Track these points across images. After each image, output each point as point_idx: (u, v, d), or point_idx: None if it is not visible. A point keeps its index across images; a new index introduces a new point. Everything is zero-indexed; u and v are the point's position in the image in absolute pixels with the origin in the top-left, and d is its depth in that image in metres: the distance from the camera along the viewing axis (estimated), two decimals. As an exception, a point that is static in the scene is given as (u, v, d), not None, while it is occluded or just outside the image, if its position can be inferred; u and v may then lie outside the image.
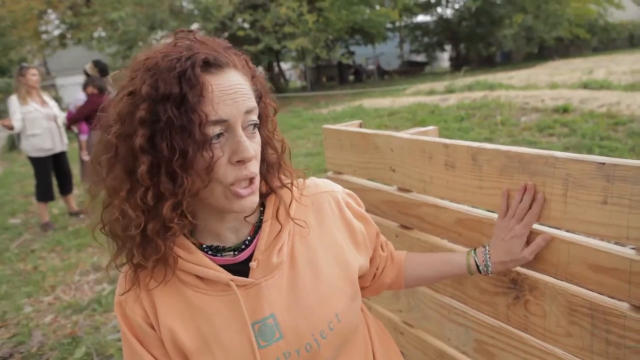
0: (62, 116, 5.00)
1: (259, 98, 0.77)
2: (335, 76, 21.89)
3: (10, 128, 4.66)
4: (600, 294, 0.91)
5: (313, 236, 0.84)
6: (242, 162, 0.70)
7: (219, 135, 0.68)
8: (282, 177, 0.83)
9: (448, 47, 25.06)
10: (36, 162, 4.86)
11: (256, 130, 0.74)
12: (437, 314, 1.32)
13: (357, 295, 0.87)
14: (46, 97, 4.96)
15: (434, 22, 23.99)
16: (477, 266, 0.99)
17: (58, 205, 5.62)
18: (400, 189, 1.33)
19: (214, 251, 0.79)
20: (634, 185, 0.80)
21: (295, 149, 7.16)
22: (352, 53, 20.42)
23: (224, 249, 0.79)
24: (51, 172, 4.96)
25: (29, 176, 7.30)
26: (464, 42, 23.02)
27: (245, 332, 0.76)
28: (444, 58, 27.43)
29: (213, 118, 0.67)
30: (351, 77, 22.43)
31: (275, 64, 19.30)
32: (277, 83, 19.31)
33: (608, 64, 12.59)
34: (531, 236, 0.96)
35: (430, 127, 1.35)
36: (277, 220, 0.80)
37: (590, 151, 4.64)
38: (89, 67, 5.35)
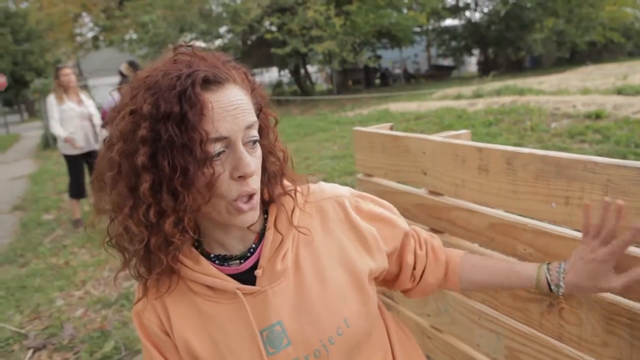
0: (98, 115, 5.15)
1: (259, 110, 0.79)
2: (361, 80, 21.87)
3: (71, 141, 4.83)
4: (640, 303, 0.89)
5: (318, 242, 0.84)
6: (243, 177, 0.71)
7: (219, 153, 0.70)
8: (286, 184, 0.84)
9: (476, 52, 24.75)
10: (70, 159, 5.01)
11: (257, 145, 0.75)
12: (466, 319, 1.31)
13: (369, 300, 0.86)
14: (83, 97, 5.11)
15: (462, 26, 23.73)
16: (548, 283, 0.88)
17: (89, 202, 5.78)
18: (432, 192, 1.32)
19: (221, 260, 0.81)
20: (678, 193, 0.78)
21: (321, 151, 7.18)
22: (379, 57, 20.38)
23: (230, 258, 0.81)
24: (84, 170, 5.10)
25: (62, 174, 7.54)
26: (493, 46, 22.68)
27: (254, 339, 0.77)
28: (472, 62, 27.09)
29: (214, 136, 0.68)
30: (377, 81, 22.37)
31: (302, 67, 19.41)
32: (304, 86, 19.41)
33: (644, 69, 12.19)
34: (626, 262, 0.83)
35: (463, 131, 1.34)
36: (277, 230, 0.81)
37: (624, 158, 4.49)
38: (124, 67, 5.48)
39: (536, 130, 5.92)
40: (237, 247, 0.81)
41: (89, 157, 5.10)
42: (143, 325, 0.83)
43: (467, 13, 23.35)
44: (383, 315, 0.97)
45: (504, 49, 21.66)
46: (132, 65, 5.63)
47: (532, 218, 1.05)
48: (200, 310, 0.80)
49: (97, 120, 5.09)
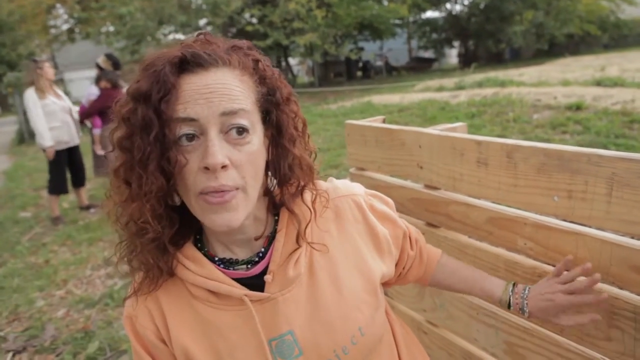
0: (75, 109, 5.01)
1: (269, 103, 0.72)
2: (343, 72, 21.80)
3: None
4: (645, 297, 0.88)
5: (334, 246, 0.79)
6: (206, 169, 0.64)
7: (190, 138, 0.65)
8: (304, 195, 0.77)
9: (456, 44, 24.90)
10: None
11: (245, 135, 0.67)
12: (464, 314, 1.30)
13: (381, 304, 0.83)
14: (59, 91, 4.97)
15: (443, 18, 23.83)
16: (509, 304, 0.93)
17: (68, 199, 5.64)
18: (428, 186, 1.30)
19: (226, 264, 0.75)
20: (685, 185, 0.77)
21: (304, 144, 7.11)
22: (360, 49, 20.33)
23: (236, 262, 0.75)
24: (66, 166, 4.97)
25: (39, 170, 7.34)
26: (473, 38, 22.84)
27: (262, 349, 0.72)
28: (452, 54, 27.27)
29: (180, 115, 0.64)
30: (359, 73, 22.34)
31: (283, 59, 19.26)
32: (285, 79, 19.24)
33: (620, 60, 12.43)
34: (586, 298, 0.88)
35: (459, 124, 1.32)
36: (289, 237, 0.76)
37: (605, 149, 4.57)
38: (101, 60, 5.34)
39: (519, 122, 5.98)
40: (241, 251, 0.76)
41: (71, 152, 4.97)
42: (137, 332, 0.77)
43: (448, 5, 23.44)
44: (389, 317, 0.94)
45: (484, 41, 21.84)
46: (110, 58, 5.50)
47: (532, 212, 1.03)
48: (202, 317, 0.74)
49: (76, 114, 4.96)
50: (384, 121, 1.54)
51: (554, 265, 1.02)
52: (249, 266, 0.75)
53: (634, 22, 23.01)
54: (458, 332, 1.34)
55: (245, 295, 0.72)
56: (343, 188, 0.84)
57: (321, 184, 0.83)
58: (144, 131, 0.64)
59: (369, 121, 1.50)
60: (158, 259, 0.72)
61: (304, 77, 23.78)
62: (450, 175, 1.19)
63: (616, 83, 7.53)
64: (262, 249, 0.76)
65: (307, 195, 0.78)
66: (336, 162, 5.64)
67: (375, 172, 1.49)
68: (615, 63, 11.58)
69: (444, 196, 1.23)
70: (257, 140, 0.69)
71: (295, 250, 0.76)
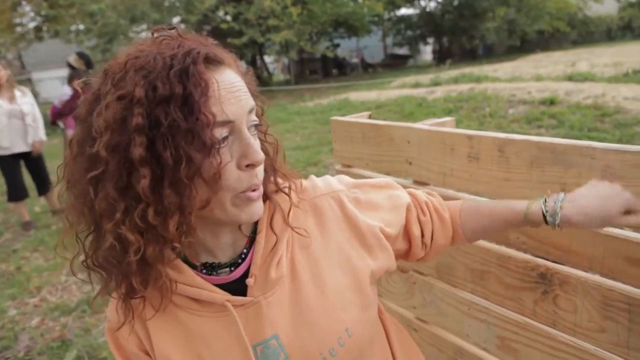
0: (33, 113, 4.77)
1: (253, 96, 0.71)
2: (318, 69, 21.78)
3: None
4: (639, 288, 0.88)
5: (315, 245, 0.76)
6: (252, 166, 0.65)
7: (224, 139, 0.63)
8: (279, 180, 0.76)
9: (431, 40, 25.16)
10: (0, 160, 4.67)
11: (256, 131, 0.69)
12: (455, 310, 1.29)
13: (370, 303, 0.79)
14: (18, 93, 4.74)
15: (417, 15, 24.02)
16: (544, 215, 0.80)
17: (40, 203, 5.46)
18: (417, 182, 1.28)
19: (208, 269, 0.73)
20: (679, 176, 0.77)
21: (283, 142, 7.02)
22: (336, 46, 20.33)
23: (219, 266, 0.73)
24: (19, 170, 4.75)
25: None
26: (447, 35, 23.11)
27: (246, 355, 0.70)
28: (427, 51, 27.53)
29: (220, 119, 0.61)
30: (335, 71, 22.36)
31: (258, 57, 19.11)
32: (261, 77, 19.13)
33: (588, 56, 12.77)
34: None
35: (448, 119, 1.31)
36: (272, 230, 0.73)
37: (579, 142, 4.67)
38: (73, 59, 5.18)
39: (495, 117, 6.07)
40: (227, 252, 0.73)
41: (24, 158, 4.77)
42: (119, 345, 0.75)
43: (422, 2, 23.64)
44: (382, 317, 0.91)
45: (458, 38, 22.13)
46: (82, 56, 5.34)
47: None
48: (184, 325, 0.71)
49: (31, 119, 4.72)
50: (369, 117, 1.53)
51: (547, 259, 1.02)
52: (232, 269, 0.73)
53: (600, 20, 23.70)
54: (449, 328, 1.34)
55: (228, 301, 0.70)
56: (322, 186, 0.81)
57: (302, 182, 0.81)
58: (184, 136, 0.58)
59: (355, 117, 1.48)
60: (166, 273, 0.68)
61: (279, 75, 23.66)
62: (440, 170, 1.18)
63: (586, 78, 7.72)
64: (245, 250, 0.73)
65: (282, 184, 0.77)
66: (315, 159, 5.62)
67: (363, 169, 1.47)
68: (584, 59, 11.89)
69: (434, 191, 1.22)
70: None
71: (277, 245, 0.73)
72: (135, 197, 0.60)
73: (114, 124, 0.59)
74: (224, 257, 0.73)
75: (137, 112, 0.58)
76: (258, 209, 0.68)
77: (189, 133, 0.59)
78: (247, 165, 0.64)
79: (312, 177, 0.85)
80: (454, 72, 10.76)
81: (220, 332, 0.71)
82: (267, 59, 21.10)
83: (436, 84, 9.61)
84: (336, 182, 0.83)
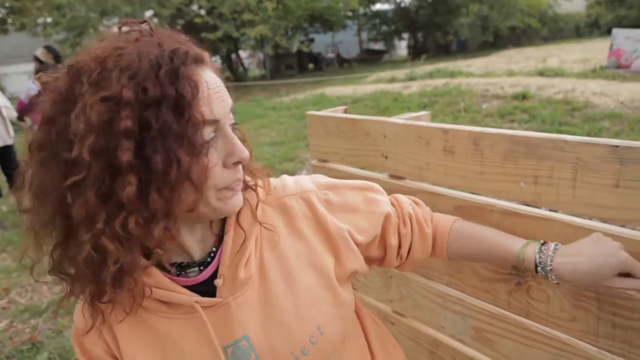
0: (6, 105, 4.64)
1: None
2: (294, 64, 21.70)
3: None
4: (608, 277, 0.90)
5: (284, 244, 0.76)
6: (238, 163, 0.66)
7: (211, 139, 0.63)
8: (246, 178, 0.75)
9: (406, 36, 25.34)
10: None
11: (233, 129, 0.69)
12: (431, 302, 1.30)
13: (342, 302, 0.78)
14: None
15: (392, 11, 24.16)
16: (536, 264, 0.82)
17: (7, 202, 5.29)
18: (393, 176, 1.29)
19: (178, 269, 0.72)
20: (647, 168, 0.79)
21: (259, 138, 7.04)
22: (311, 40, 20.24)
23: (188, 266, 0.72)
24: None
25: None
26: (422, 30, 23.33)
27: (216, 357, 0.69)
28: (402, 46, 27.73)
29: (209, 119, 0.61)
30: (311, 65, 22.31)
31: (233, 52, 18.89)
32: (236, 72, 18.94)
33: (559, 52, 13.07)
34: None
35: (423, 113, 1.31)
36: (240, 227, 0.73)
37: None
38: (40, 53, 5.01)
39: (469, 111, 6.16)
40: (197, 250, 0.72)
41: (3, 153, 4.63)
42: (85, 350, 0.73)
43: (397, -2, 23.79)
44: (359, 312, 0.91)
45: (432, 33, 22.36)
46: (51, 50, 5.17)
47: (500, 199, 1.04)
48: (153, 328, 0.70)
49: (10, 112, 4.60)
50: (345, 111, 1.52)
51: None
52: (201, 268, 0.72)
53: (569, 17, 24.34)
54: (425, 320, 1.35)
55: (196, 302, 0.69)
56: (292, 186, 0.80)
57: (272, 181, 0.81)
58: (175, 138, 0.57)
59: (331, 111, 1.47)
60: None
61: (255, 70, 23.47)
62: (416, 164, 1.18)
63: (557, 73, 7.91)
64: (214, 249, 0.73)
65: (250, 182, 0.77)
66: (291, 155, 5.60)
67: (339, 164, 1.47)
68: (555, 54, 12.16)
69: (410, 186, 1.23)
70: None
71: (245, 243, 0.72)
72: (118, 205, 0.57)
73: (99, 126, 0.56)
74: (194, 254, 0.72)
75: (125, 115, 0.56)
76: (240, 200, 0.68)
77: (181, 135, 0.58)
78: (234, 163, 0.65)
79: (284, 176, 0.84)
80: (429, 67, 10.87)
81: (190, 334, 0.70)
82: (243, 53, 20.88)
83: (411, 78, 9.69)
84: (308, 182, 0.82)
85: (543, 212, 0.96)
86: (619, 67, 6.99)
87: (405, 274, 1.35)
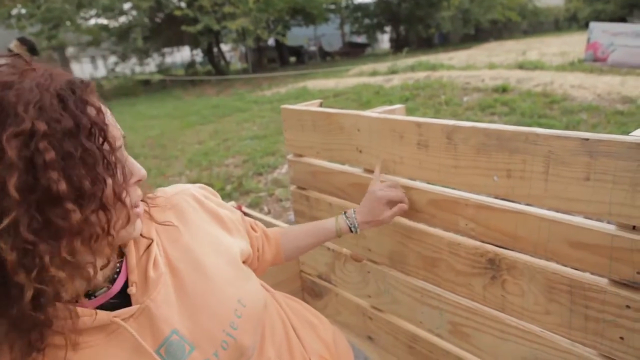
0: None
1: None
2: (276, 58, 21.55)
3: None
4: (580, 270, 0.90)
5: (183, 236, 0.80)
6: (139, 181, 0.70)
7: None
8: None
9: (388, 29, 25.35)
10: None
11: None
12: (408, 297, 1.29)
13: (251, 275, 0.87)
14: None
15: (375, 4, 24.13)
16: (349, 227, 1.09)
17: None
18: (368, 171, 1.27)
19: (87, 294, 0.68)
20: (617, 161, 0.78)
21: (241, 132, 6.97)
22: (286, 29, 19.98)
23: (94, 290, 0.69)
24: None
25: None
26: (404, 23, 23.35)
27: None
28: (385, 39, 27.75)
29: (117, 140, 0.65)
30: (293, 59, 22.18)
31: (215, 45, 18.67)
32: (218, 65, 18.73)
33: (539, 45, 13.21)
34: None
35: (398, 106, 1.30)
36: (141, 234, 0.74)
37: (529, 129, 4.83)
38: (14, 45, 4.88)
39: (450, 104, 6.18)
40: (105, 272, 0.70)
41: None
42: None
43: (379, -10, 23.74)
44: (267, 289, 0.99)
45: (414, 26, 22.39)
46: (24, 42, 5.05)
47: (474, 193, 1.03)
48: None
49: None
50: (321, 105, 1.50)
51: (496, 245, 1.03)
52: (109, 285, 0.70)
53: (549, 10, 24.66)
54: (403, 315, 1.34)
55: (115, 317, 0.67)
56: (173, 189, 0.87)
57: (153, 190, 0.85)
58: (97, 165, 0.60)
59: (306, 105, 1.45)
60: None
61: (237, 64, 23.25)
62: (390, 158, 1.17)
63: (536, 66, 7.99)
64: (118, 263, 0.73)
65: None
66: (273, 149, 5.55)
67: (314, 158, 1.45)
68: (535, 47, 12.29)
69: (385, 180, 1.21)
70: None
71: (148, 247, 0.75)
72: (57, 234, 0.57)
73: (20, 163, 0.54)
74: (99, 277, 0.68)
75: (43, 147, 0.55)
76: (140, 223, 0.72)
77: (101, 159, 0.60)
78: (137, 181, 0.69)
79: (161, 188, 0.89)
80: (411, 60, 10.89)
81: (120, 353, 0.67)
82: (225, 47, 20.65)
83: (393, 72, 9.69)
84: (184, 185, 0.89)
85: (516, 206, 0.96)
86: (595, 60, 7.11)
87: (382, 269, 1.34)
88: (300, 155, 1.51)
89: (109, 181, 0.61)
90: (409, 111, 6.13)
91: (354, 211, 1.11)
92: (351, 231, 1.09)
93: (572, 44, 11.46)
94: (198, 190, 0.89)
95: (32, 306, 0.57)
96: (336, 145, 1.33)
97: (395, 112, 1.27)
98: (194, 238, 0.80)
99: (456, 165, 1.02)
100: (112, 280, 0.71)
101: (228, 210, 0.92)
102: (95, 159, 0.59)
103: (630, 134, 0.80)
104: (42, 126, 0.55)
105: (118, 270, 0.72)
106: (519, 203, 0.95)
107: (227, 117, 8.48)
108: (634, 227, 0.80)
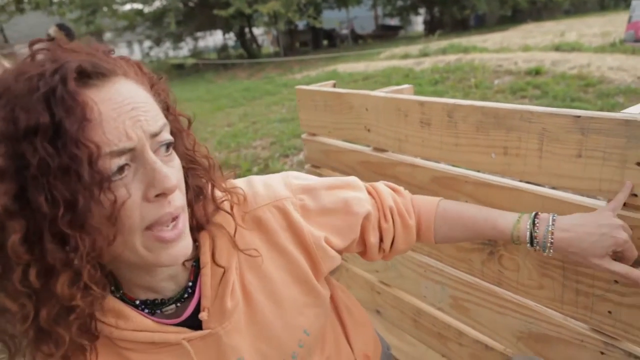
0: None
1: (166, 110, 0.62)
2: (308, 41, 21.47)
3: None
4: (573, 246, 0.92)
5: (265, 262, 0.72)
6: (163, 195, 0.55)
7: (121, 169, 0.52)
8: (218, 194, 0.70)
9: (422, 11, 24.78)
10: None
11: (172, 151, 0.59)
12: (413, 272, 1.34)
13: (322, 298, 0.78)
14: (6, 63, 4.70)
15: (408, -15, 23.61)
16: (532, 239, 0.79)
17: None
18: (376, 149, 1.31)
19: (150, 307, 0.66)
20: (607, 138, 0.80)
21: (269, 114, 7.06)
22: (319, 13, 19.84)
23: (162, 303, 0.66)
24: None
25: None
26: (438, 5, 22.75)
27: None
28: (418, 22, 27.15)
29: (108, 149, 0.50)
30: (325, 42, 22.05)
31: (247, 29, 18.77)
32: (250, 49, 18.85)
33: (579, 26, 12.66)
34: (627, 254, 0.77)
35: (406, 86, 1.32)
36: (217, 264, 0.67)
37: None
38: (53, 31, 5.07)
39: (480, 88, 6.06)
40: (169, 288, 0.66)
41: None
42: None
43: (413, -29, 23.19)
44: (330, 285, 0.88)
45: (449, 8, 21.78)
46: (63, 28, 5.23)
47: (473, 170, 1.06)
48: None
49: None
50: (334, 86, 1.54)
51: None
52: (177, 305, 0.67)
53: (594, -12, 23.46)
54: (408, 290, 1.39)
55: (184, 339, 0.65)
56: (264, 193, 0.74)
57: (238, 184, 0.75)
58: (60, 176, 0.48)
59: (319, 86, 1.49)
60: (86, 332, 0.59)
61: (269, 47, 23.31)
62: (396, 137, 1.20)
63: (574, 48, 7.70)
64: (190, 283, 0.68)
65: (219, 196, 0.71)
66: (299, 131, 5.58)
67: (326, 137, 1.50)
68: (575, 28, 11.80)
69: (391, 158, 1.25)
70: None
71: (226, 274, 0.67)
72: (11, 257, 0.49)
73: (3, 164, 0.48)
74: (167, 292, 0.66)
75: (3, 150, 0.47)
76: (181, 249, 0.58)
77: (66, 171, 0.48)
78: (157, 195, 0.54)
79: (252, 180, 0.77)
80: (443, 43, 10.66)
81: None
82: (257, 30, 20.72)
83: (425, 54, 9.53)
84: (281, 187, 0.76)
85: (512, 183, 0.98)
86: (637, 40, 6.78)
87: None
88: (314, 135, 1.56)
89: (78, 199, 0.49)
90: (438, 94, 6.05)
91: (554, 220, 0.79)
92: (532, 245, 0.79)
93: (617, 23, 10.93)
94: (296, 199, 0.75)
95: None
96: (346, 125, 1.37)
97: (404, 92, 1.30)
98: (274, 264, 0.73)
99: (457, 143, 1.05)
100: (182, 300, 0.67)
101: (334, 216, 0.78)
102: (54, 170, 0.48)
103: (622, 111, 0.82)
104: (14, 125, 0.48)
105: (190, 291, 0.67)
106: (515, 180, 0.98)
107: (257, 100, 8.58)
108: (624, 204, 0.81)
